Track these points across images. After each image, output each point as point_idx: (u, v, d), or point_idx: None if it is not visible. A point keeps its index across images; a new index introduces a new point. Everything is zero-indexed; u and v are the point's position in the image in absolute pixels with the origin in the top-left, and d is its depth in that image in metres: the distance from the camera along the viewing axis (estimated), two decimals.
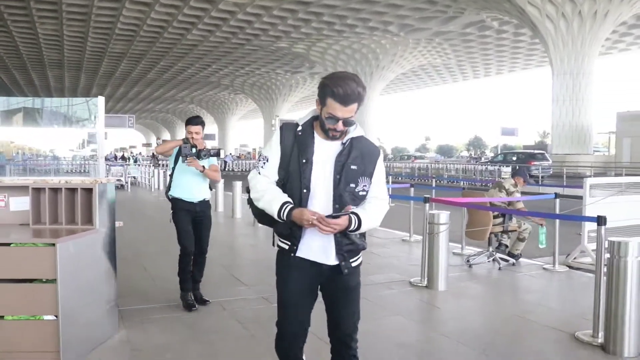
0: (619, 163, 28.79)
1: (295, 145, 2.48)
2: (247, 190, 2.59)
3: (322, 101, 2.43)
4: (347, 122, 2.42)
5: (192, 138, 5.00)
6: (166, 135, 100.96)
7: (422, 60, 45.82)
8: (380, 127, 54.91)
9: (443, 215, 5.80)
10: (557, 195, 7.02)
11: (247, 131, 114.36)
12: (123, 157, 45.07)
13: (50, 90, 65.97)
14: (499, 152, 34.77)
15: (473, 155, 62.07)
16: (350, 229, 2.40)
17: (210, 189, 5.23)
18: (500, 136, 39.21)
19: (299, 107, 78.03)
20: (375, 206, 2.53)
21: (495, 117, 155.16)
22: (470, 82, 60.65)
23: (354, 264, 2.57)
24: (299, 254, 2.50)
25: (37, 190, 4.07)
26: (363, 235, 2.61)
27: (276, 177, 2.52)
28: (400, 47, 41.62)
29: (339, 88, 2.34)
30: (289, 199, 2.44)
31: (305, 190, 2.44)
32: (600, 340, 4.20)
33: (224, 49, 43.88)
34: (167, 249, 7.78)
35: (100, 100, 4.30)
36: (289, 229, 2.47)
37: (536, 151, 31.07)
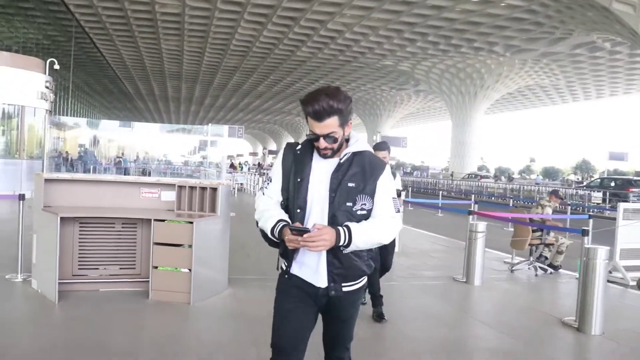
0: None
1: (293, 165, 2.50)
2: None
3: (306, 120, 2.46)
4: (329, 138, 2.40)
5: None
6: (272, 146, 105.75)
7: (529, 81, 45.99)
8: (483, 147, 55.61)
9: (481, 225, 7.38)
10: (590, 217, 8.35)
11: None
12: (232, 165, 48.59)
13: (168, 99, 72.01)
14: (596, 178, 34.60)
15: (579, 179, 60.63)
16: (340, 243, 2.33)
17: None
18: (608, 160, 38.61)
19: (402, 124, 79.50)
20: (376, 222, 2.45)
21: (606, 140, 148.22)
22: (581, 103, 59.42)
23: (345, 289, 2.50)
24: (293, 271, 2.50)
25: (180, 188, 6.18)
26: (369, 257, 2.56)
27: (280, 198, 2.55)
28: (506, 67, 42.19)
29: (309, 106, 2.36)
30: (285, 218, 2.45)
31: (298, 210, 2.44)
32: (578, 323, 5.65)
33: (331, 65, 46.41)
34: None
35: (225, 127, 6.35)
36: (283, 248, 2.48)
37: (635, 178, 30.74)
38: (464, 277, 7.55)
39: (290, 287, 2.51)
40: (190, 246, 5.61)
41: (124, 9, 33.70)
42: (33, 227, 5.95)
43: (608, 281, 8.11)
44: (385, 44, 39.19)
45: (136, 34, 39.37)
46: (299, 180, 2.45)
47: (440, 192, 28.22)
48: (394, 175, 5.46)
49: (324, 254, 2.42)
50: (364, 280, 2.59)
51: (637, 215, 8.23)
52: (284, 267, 2.56)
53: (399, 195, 4.95)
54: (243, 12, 33.41)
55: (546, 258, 8.65)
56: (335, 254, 2.40)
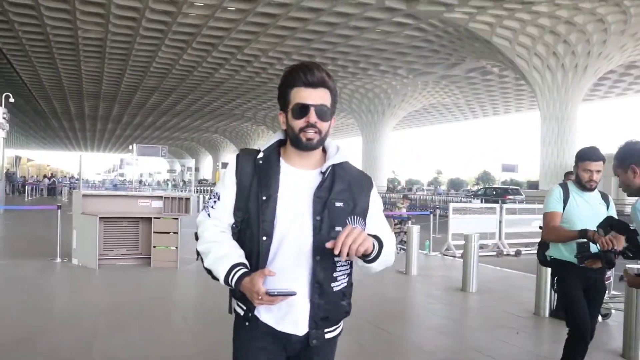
0: None
1: (255, 178, 1.99)
2: (196, 237, 2.12)
3: (285, 105, 2.03)
4: (321, 113, 1.96)
5: (591, 180, 3.99)
6: (190, 163, 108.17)
7: (432, 100, 52.11)
8: (394, 161, 62.03)
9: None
10: (431, 213, 13.00)
11: None
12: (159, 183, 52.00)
13: (84, 118, 73.81)
14: (481, 187, 40.99)
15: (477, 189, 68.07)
16: (372, 254, 1.94)
17: None
18: (501, 172, 44.83)
19: None
20: (386, 240, 2.08)
21: (504, 154, 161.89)
22: (480, 120, 66.68)
23: (328, 335, 2.07)
24: (259, 316, 2.01)
25: (165, 198, 10.21)
26: (349, 297, 2.15)
27: (230, 220, 2.04)
28: (410, 87, 47.96)
29: (300, 72, 1.97)
30: (242, 260, 1.95)
31: (264, 238, 1.95)
32: (405, 270, 10.06)
33: (248, 86, 50.68)
34: None
35: (192, 161, 10.41)
36: (241, 292, 1.93)
37: (511, 187, 36.90)
38: None
39: (254, 337, 2.03)
40: (176, 233, 9.68)
41: (46, 33, 36.48)
42: (73, 225, 9.82)
43: (444, 254, 12.80)
44: None
45: (56, 56, 41.99)
46: (264, 198, 1.94)
47: None
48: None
49: (306, 292, 1.97)
50: (342, 325, 2.16)
51: (461, 211, 12.98)
52: (242, 311, 2.05)
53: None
54: (164, 37, 37.01)
55: (405, 242, 13.20)
56: (322, 291, 1.98)
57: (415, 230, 10.08)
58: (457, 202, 20.79)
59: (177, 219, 9.63)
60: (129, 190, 28.89)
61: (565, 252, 3.96)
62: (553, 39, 34.21)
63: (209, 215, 2.07)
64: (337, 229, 1.95)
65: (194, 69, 45.08)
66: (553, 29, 33.56)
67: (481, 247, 13.44)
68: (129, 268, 9.65)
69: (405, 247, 12.94)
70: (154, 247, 9.70)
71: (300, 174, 2.03)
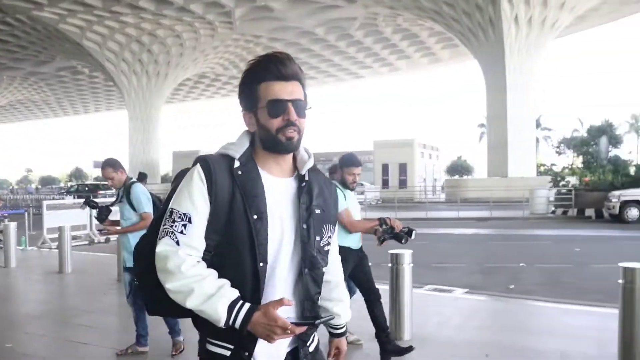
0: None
1: (237, 192, 1.57)
2: (141, 268, 1.67)
3: (252, 103, 1.64)
4: (299, 109, 1.62)
5: (355, 182, 4.58)
6: None
7: (19, 96, 49.40)
8: None
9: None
10: (25, 211, 13.46)
11: None
12: None
13: None
14: (74, 184, 41.62)
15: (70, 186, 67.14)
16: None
17: None
18: (93, 168, 45.28)
19: None
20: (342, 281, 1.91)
21: (96, 151, 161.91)
22: (71, 117, 65.67)
23: (311, 348, 1.75)
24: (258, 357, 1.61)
25: None
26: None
27: (203, 246, 1.57)
28: None
29: (271, 64, 1.61)
30: (237, 293, 1.55)
31: (261, 264, 1.57)
32: None
33: None
34: None
35: None
36: (242, 334, 1.54)
37: (103, 183, 38.06)
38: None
39: None
40: None
41: None
42: None
43: (40, 247, 13.40)
44: None
45: None
46: (255, 216, 1.57)
47: None
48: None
49: (293, 312, 1.65)
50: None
51: (54, 207, 13.77)
52: (228, 351, 1.60)
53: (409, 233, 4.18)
54: None
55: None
56: (312, 307, 1.71)
57: (12, 227, 10.58)
58: (50, 199, 20.97)
59: None
60: None
61: (349, 241, 4.45)
62: (139, 47, 36.51)
63: (177, 242, 1.54)
64: (317, 237, 1.68)
65: None
66: (139, 39, 35.79)
67: (75, 237, 14.49)
68: None
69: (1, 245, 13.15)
70: None
71: (281, 183, 1.66)
